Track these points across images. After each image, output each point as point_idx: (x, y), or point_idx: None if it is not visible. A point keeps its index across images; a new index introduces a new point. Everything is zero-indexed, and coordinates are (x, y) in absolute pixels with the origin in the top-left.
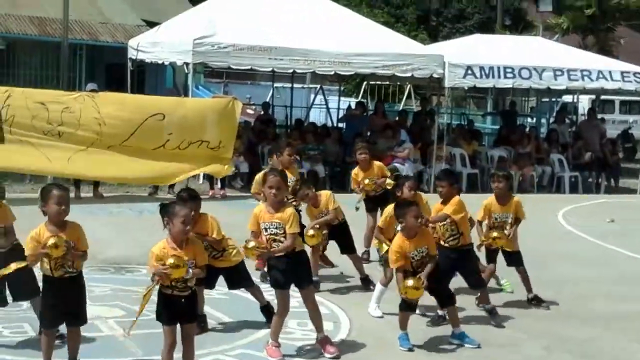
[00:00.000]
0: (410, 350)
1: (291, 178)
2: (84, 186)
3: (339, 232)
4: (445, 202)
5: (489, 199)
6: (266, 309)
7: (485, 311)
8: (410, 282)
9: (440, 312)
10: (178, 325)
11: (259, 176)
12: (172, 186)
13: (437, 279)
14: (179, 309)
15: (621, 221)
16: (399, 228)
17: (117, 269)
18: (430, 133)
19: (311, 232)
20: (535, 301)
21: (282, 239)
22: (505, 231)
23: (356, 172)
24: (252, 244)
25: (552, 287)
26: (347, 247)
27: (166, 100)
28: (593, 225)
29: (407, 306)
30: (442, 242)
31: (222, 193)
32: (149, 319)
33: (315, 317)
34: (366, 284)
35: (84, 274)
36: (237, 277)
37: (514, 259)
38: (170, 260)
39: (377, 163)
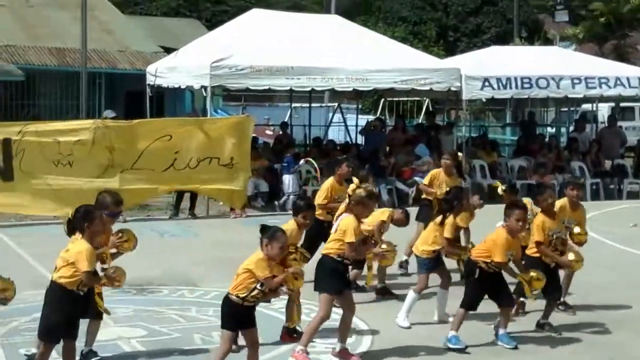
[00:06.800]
0: (464, 350)
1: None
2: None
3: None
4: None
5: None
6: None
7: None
8: (533, 273)
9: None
10: None
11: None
12: (192, 208)
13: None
14: (246, 318)
15: None
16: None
17: (139, 290)
18: (451, 146)
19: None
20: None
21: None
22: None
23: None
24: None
25: (579, 293)
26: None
27: (175, 121)
28: (616, 231)
29: (470, 305)
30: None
31: (241, 214)
32: (170, 338)
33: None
34: (383, 293)
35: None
36: None
37: None
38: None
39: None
